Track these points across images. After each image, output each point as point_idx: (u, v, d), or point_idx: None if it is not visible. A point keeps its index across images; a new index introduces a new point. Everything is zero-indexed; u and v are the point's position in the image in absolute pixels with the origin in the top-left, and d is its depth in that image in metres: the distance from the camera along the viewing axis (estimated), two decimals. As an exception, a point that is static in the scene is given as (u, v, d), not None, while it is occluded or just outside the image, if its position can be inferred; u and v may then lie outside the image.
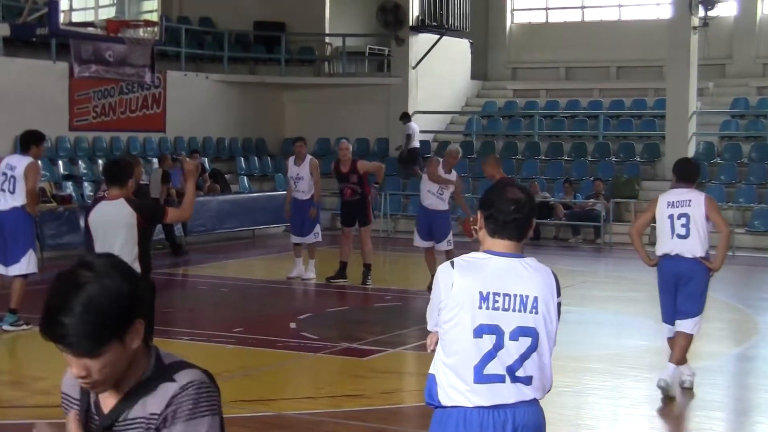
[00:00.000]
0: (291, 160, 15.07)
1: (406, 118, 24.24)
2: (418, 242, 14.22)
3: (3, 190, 10.79)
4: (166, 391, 2.50)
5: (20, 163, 10.80)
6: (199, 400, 2.50)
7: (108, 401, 2.56)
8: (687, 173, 8.63)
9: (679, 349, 8.63)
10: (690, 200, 8.45)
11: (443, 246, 13.97)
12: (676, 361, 8.64)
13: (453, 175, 14.06)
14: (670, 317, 8.74)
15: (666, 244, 8.55)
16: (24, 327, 10.74)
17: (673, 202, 8.50)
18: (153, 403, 2.50)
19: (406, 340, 11.06)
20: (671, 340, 8.81)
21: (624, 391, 9.24)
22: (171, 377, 2.52)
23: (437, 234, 13.99)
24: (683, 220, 8.40)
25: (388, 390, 8.99)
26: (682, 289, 8.57)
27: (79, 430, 2.54)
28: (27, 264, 10.79)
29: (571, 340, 10.31)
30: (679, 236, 8.44)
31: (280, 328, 11.66)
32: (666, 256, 8.58)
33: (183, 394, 2.49)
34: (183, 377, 2.52)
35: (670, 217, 8.46)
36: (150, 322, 2.55)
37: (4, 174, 10.83)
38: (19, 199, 10.73)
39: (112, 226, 7.06)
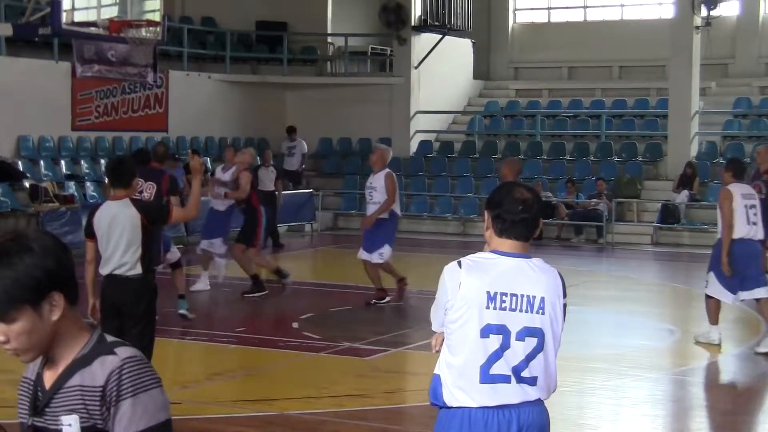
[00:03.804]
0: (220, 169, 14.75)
1: (292, 132, 23.37)
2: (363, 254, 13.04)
3: None
4: (104, 363, 2.58)
5: None
6: (142, 372, 2.58)
7: (49, 377, 2.67)
8: (743, 171, 10.76)
9: None
10: (754, 194, 10.51)
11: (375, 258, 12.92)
12: None
13: (384, 173, 12.81)
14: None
15: (742, 229, 10.17)
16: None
17: (744, 194, 10.30)
18: (91, 375, 2.59)
19: (408, 339, 11.07)
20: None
21: (626, 390, 9.23)
22: (111, 351, 2.61)
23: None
24: (754, 210, 10.27)
25: (390, 389, 9.00)
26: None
27: None
28: None
29: (573, 339, 10.28)
30: (753, 223, 10.26)
31: (282, 328, 11.67)
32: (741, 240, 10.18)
33: (125, 367, 2.57)
34: (124, 352, 2.60)
35: (745, 207, 10.21)
36: (73, 297, 2.60)
37: None
38: None
39: (117, 226, 7.02)
